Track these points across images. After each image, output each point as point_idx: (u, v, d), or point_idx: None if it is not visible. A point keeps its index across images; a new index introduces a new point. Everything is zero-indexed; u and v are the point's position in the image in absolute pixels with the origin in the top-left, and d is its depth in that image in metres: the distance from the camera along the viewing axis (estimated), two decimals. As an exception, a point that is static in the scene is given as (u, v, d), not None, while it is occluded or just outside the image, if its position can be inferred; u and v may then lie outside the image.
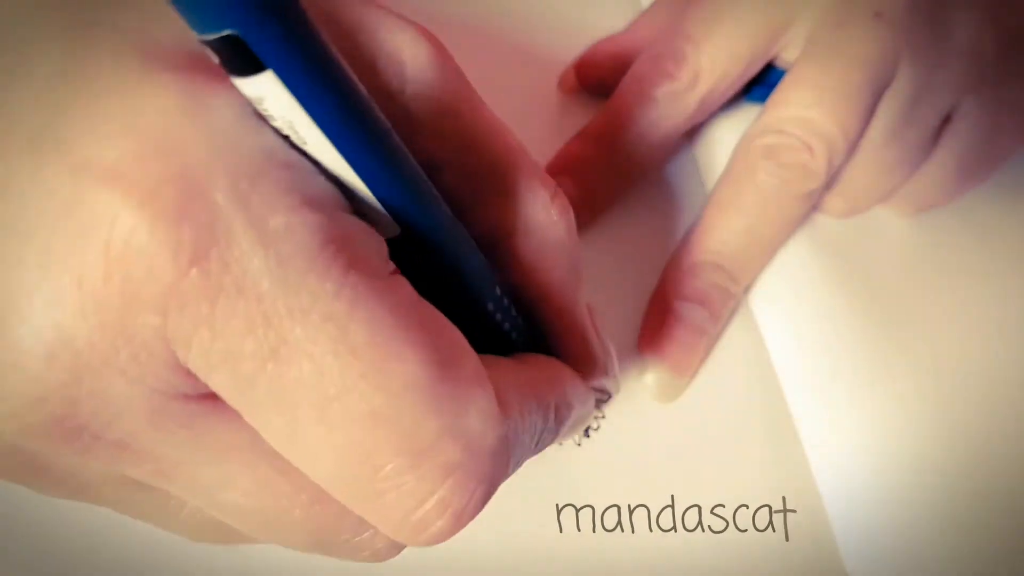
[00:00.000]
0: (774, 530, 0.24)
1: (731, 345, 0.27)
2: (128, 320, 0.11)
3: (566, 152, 0.28)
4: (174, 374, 0.11)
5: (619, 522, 0.24)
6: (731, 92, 0.28)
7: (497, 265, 0.17)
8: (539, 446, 0.15)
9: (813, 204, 0.27)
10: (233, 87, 0.11)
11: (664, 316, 0.26)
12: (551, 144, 0.28)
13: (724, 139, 0.30)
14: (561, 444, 0.25)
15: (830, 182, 0.26)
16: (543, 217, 0.17)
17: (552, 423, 0.16)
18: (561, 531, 0.23)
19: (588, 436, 0.25)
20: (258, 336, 0.11)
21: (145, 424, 0.12)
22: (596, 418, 0.25)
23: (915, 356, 0.27)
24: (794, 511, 0.25)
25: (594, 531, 0.23)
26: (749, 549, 0.24)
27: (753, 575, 0.24)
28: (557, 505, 0.24)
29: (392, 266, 0.12)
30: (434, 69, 0.15)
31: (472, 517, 0.13)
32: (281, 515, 0.13)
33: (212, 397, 0.12)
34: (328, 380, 0.11)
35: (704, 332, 0.26)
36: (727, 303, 0.26)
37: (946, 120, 0.26)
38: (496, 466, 0.13)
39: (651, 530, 0.24)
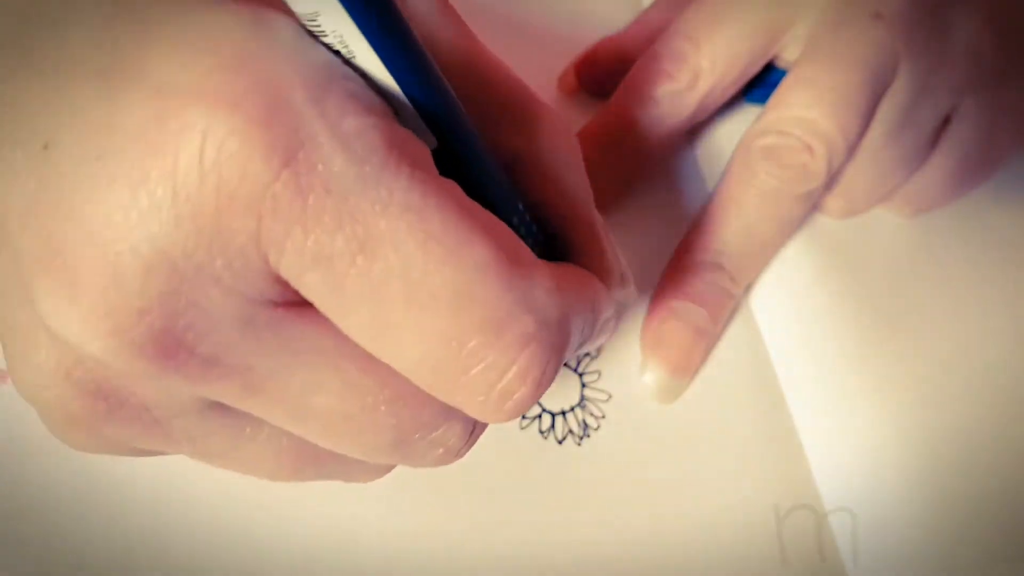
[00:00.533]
0: (773, 530, 0.24)
1: (731, 346, 0.27)
2: (224, 225, 0.11)
3: None
4: (266, 281, 0.12)
5: (618, 523, 0.24)
6: (731, 92, 0.28)
7: (520, 183, 0.18)
8: (584, 336, 0.16)
9: (813, 205, 0.27)
10: (286, 11, 0.12)
11: (664, 316, 0.26)
12: None
13: (725, 139, 0.30)
14: (561, 443, 0.25)
15: (830, 183, 0.26)
16: (555, 141, 0.18)
17: (591, 316, 0.16)
18: (560, 531, 0.23)
19: (588, 436, 0.25)
20: (346, 232, 0.11)
21: (238, 335, 0.12)
22: (596, 418, 0.25)
23: (915, 357, 0.27)
24: (794, 511, 0.25)
25: (591, 532, 0.23)
26: (749, 550, 0.24)
27: None
28: (557, 505, 0.24)
29: (438, 173, 0.13)
30: (440, 15, 0.16)
31: (549, 384, 0.13)
32: (367, 415, 0.14)
33: (298, 304, 0.13)
34: (413, 266, 0.12)
35: (704, 333, 0.26)
36: (727, 303, 0.26)
37: (945, 122, 0.26)
38: (563, 338, 0.14)
39: (651, 532, 0.24)
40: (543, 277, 0.13)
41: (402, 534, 0.22)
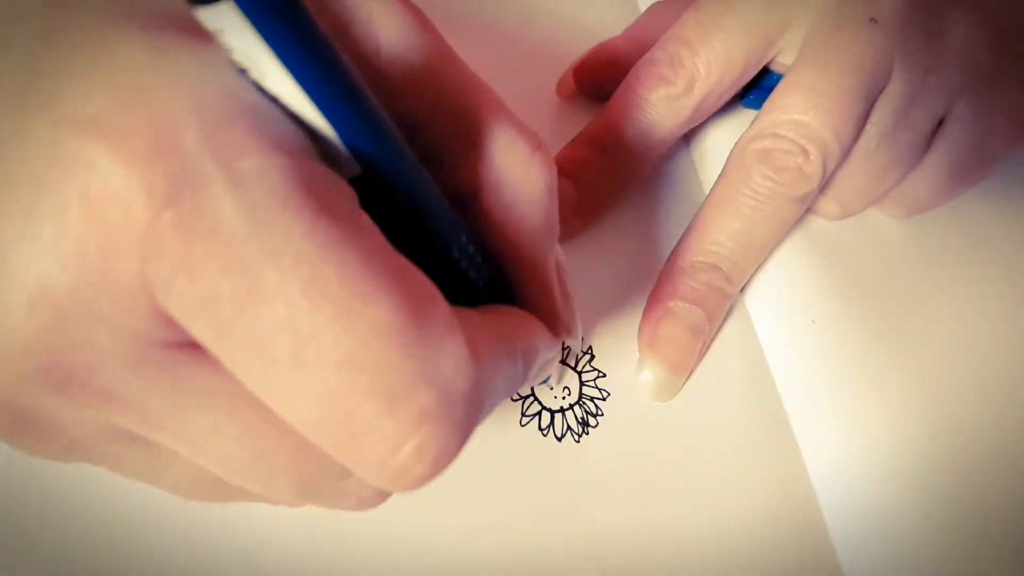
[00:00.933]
0: (770, 530, 0.24)
1: (727, 346, 0.27)
2: (108, 266, 0.11)
3: (564, 155, 0.28)
4: (155, 321, 0.11)
5: (616, 520, 0.24)
6: (727, 96, 0.28)
7: (472, 218, 0.17)
8: (509, 391, 0.15)
9: (807, 207, 0.27)
10: (200, 36, 0.11)
11: (661, 316, 0.26)
12: (549, 147, 0.28)
13: (721, 142, 0.30)
14: (560, 440, 0.25)
15: (824, 185, 0.26)
16: (517, 171, 0.17)
17: (521, 368, 0.16)
18: (559, 530, 0.23)
19: (587, 433, 0.25)
20: (233, 279, 0.11)
21: (129, 372, 0.12)
22: (595, 415, 0.25)
23: (909, 357, 0.27)
24: (789, 509, 0.25)
25: (590, 529, 0.24)
26: (745, 549, 0.24)
27: (749, 575, 0.24)
28: (554, 503, 0.24)
29: (361, 213, 0.12)
30: (408, 34, 0.15)
31: (449, 462, 0.12)
32: (267, 462, 0.13)
33: (194, 346, 0.12)
34: (301, 323, 0.11)
35: (700, 332, 0.26)
36: (723, 303, 0.27)
37: (939, 124, 0.26)
38: (470, 411, 0.13)
39: (648, 529, 0.24)
40: (454, 342, 0.12)
41: (400, 531, 0.22)
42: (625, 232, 0.28)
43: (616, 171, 0.28)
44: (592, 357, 0.26)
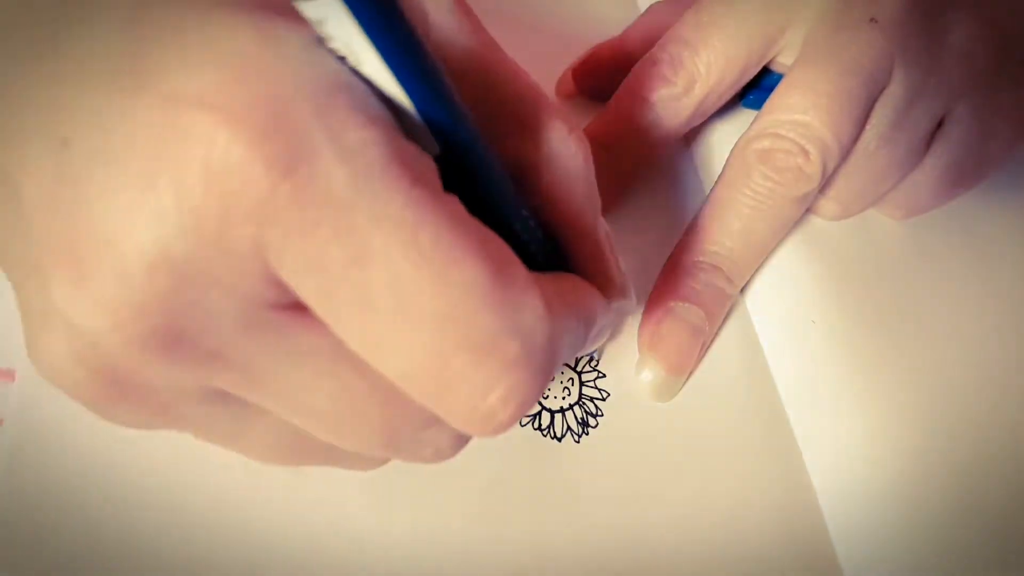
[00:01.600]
0: (770, 529, 0.24)
1: (727, 346, 0.27)
2: (225, 232, 0.11)
3: None
4: (266, 284, 0.12)
5: (616, 521, 0.24)
6: (727, 96, 0.28)
7: (522, 194, 0.18)
8: (574, 350, 0.17)
9: (807, 207, 0.27)
10: (296, 19, 0.12)
11: (661, 317, 0.26)
12: None
13: (721, 142, 0.30)
14: (560, 441, 0.25)
15: (824, 185, 0.26)
16: (563, 149, 0.18)
17: (583, 330, 0.17)
18: (559, 530, 0.23)
19: (587, 433, 0.25)
20: (342, 243, 0.12)
21: (238, 333, 0.13)
22: (594, 416, 0.25)
23: (909, 357, 0.27)
24: (790, 511, 0.25)
25: (589, 532, 0.23)
26: (745, 549, 0.24)
27: (750, 575, 0.24)
28: (555, 501, 0.24)
29: (441, 185, 0.13)
30: (456, 17, 0.16)
31: (530, 407, 0.14)
32: (360, 415, 0.14)
33: (298, 307, 0.13)
34: (402, 282, 0.12)
35: (700, 332, 0.26)
36: (723, 303, 0.27)
37: (939, 125, 0.26)
38: (548, 361, 0.14)
39: (648, 529, 0.24)
40: (534, 299, 0.13)
41: (400, 531, 0.22)
42: (625, 232, 0.28)
43: (617, 171, 0.28)
44: (591, 357, 0.26)
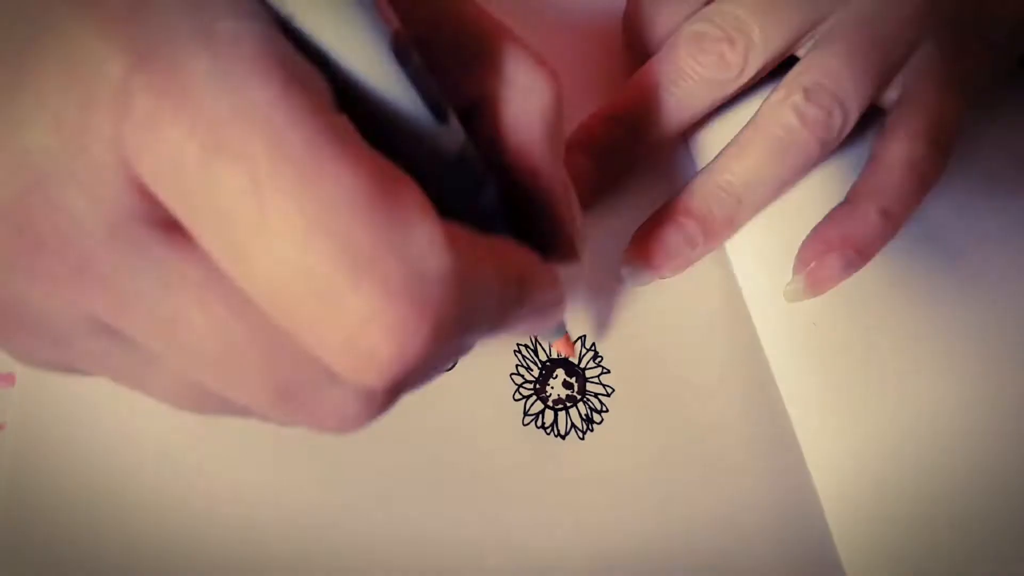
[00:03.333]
0: (772, 528, 0.24)
1: (729, 348, 0.27)
2: (84, 128, 0.11)
3: (585, 129, 0.28)
4: (129, 191, 0.11)
5: (619, 518, 0.24)
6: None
7: (477, 129, 0.17)
8: (500, 312, 0.15)
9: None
10: None
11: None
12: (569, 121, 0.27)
13: (721, 140, 0.30)
14: (564, 438, 0.25)
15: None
16: (524, 82, 0.17)
17: (515, 293, 0.15)
18: (563, 527, 0.23)
19: (591, 430, 0.25)
20: (200, 137, 0.11)
21: (103, 244, 0.12)
22: (599, 412, 0.25)
23: (909, 358, 0.27)
24: (792, 510, 0.25)
25: (592, 530, 0.23)
26: (747, 548, 0.24)
27: (752, 574, 0.24)
28: (559, 498, 0.24)
29: (336, 110, 0.12)
30: None
31: (422, 352, 0.12)
32: (238, 358, 0.13)
33: (170, 226, 0.12)
34: (264, 185, 0.11)
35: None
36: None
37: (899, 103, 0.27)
38: (444, 297, 0.12)
39: (651, 527, 0.24)
40: (426, 224, 0.12)
41: (404, 529, 0.22)
42: (625, 232, 0.28)
43: (638, 150, 0.28)
44: (596, 353, 0.26)
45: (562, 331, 0.24)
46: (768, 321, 0.28)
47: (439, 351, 0.12)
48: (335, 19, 0.12)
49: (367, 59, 0.12)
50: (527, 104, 0.17)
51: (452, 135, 0.15)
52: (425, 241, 0.12)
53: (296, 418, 0.14)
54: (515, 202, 0.18)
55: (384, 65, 0.13)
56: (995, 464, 0.26)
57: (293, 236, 0.11)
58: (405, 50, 0.13)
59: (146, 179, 0.11)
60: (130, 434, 0.22)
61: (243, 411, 0.15)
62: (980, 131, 0.32)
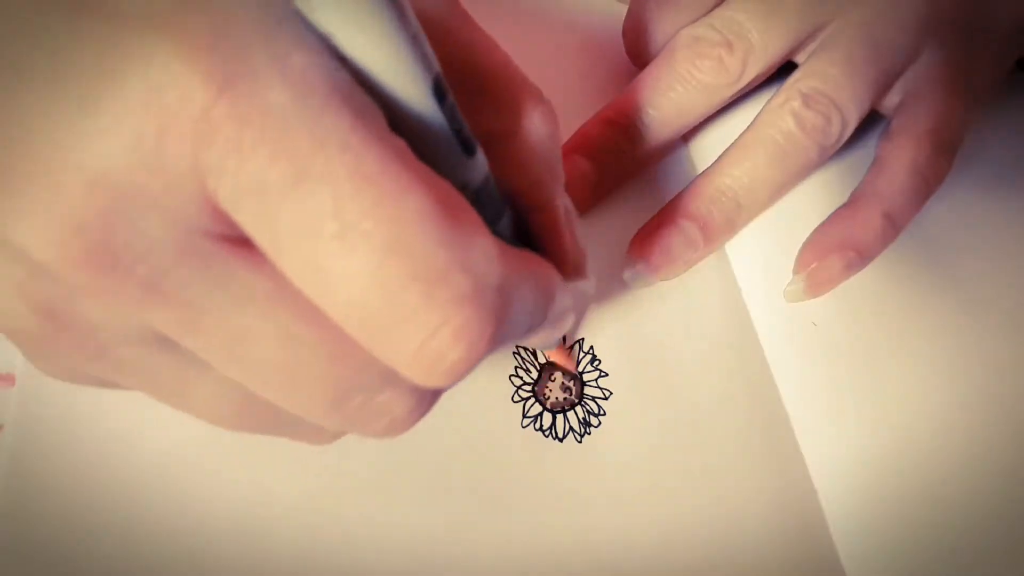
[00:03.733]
0: (772, 529, 0.24)
1: (729, 348, 0.27)
2: (163, 149, 0.11)
3: (584, 134, 0.28)
4: (205, 210, 0.12)
5: (617, 521, 0.24)
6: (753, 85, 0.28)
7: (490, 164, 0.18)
8: (529, 323, 0.16)
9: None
10: None
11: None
12: (567, 127, 0.28)
13: (720, 142, 0.30)
14: (562, 441, 0.25)
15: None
16: (527, 123, 0.18)
17: (540, 302, 0.16)
18: (561, 530, 0.23)
19: (589, 433, 0.25)
20: (282, 164, 0.11)
21: (175, 261, 0.12)
22: (597, 415, 0.25)
23: (909, 358, 0.27)
24: (791, 511, 0.25)
25: (591, 532, 0.23)
26: (747, 549, 0.24)
27: (752, 575, 0.24)
28: (558, 501, 0.24)
29: (388, 129, 0.13)
30: None
31: (483, 353, 0.13)
32: (303, 368, 0.14)
33: (241, 243, 0.13)
34: (346, 206, 0.11)
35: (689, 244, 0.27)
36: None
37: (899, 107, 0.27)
38: (501, 307, 0.13)
39: (649, 529, 0.24)
40: (485, 242, 0.13)
41: (401, 532, 0.22)
42: (625, 232, 0.28)
43: (637, 154, 0.28)
44: (594, 357, 0.26)
45: (559, 341, 0.24)
46: (768, 321, 0.28)
47: (489, 354, 0.13)
48: (391, 61, 0.13)
49: (413, 96, 0.13)
50: (532, 142, 0.18)
51: (479, 167, 0.16)
52: (484, 256, 0.13)
53: (350, 422, 0.15)
54: (522, 226, 0.19)
55: (426, 102, 0.13)
56: (995, 464, 0.26)
57: (372, 252, 0.12)
58: (443, 89, 0.14)
59: (222, 201, 0.12)
60: (130, 434, 0.22)
61: (285, 424, 0.16)
62: (980, 133, 0.32)
